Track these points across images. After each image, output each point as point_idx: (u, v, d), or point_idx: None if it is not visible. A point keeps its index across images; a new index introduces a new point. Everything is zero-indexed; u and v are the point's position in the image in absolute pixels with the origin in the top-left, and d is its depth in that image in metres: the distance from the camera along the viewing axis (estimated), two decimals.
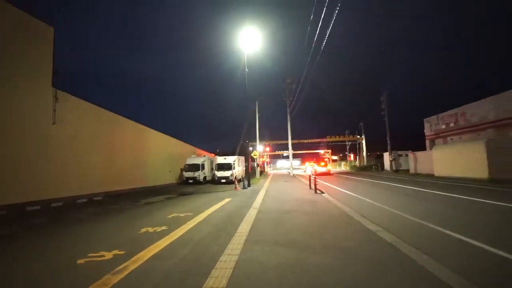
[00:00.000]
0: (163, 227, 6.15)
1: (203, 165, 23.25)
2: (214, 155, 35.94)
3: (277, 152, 66.48)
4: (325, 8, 11.89)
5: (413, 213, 7.20)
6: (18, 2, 11.10)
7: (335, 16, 11.98)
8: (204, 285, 3.03)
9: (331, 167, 39.03)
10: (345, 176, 29.00)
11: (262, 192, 13.26)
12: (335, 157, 68.41)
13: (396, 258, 3.75)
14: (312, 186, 13.30)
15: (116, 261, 3.95)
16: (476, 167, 16.74)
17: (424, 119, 34.04)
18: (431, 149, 25.72)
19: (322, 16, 12.64)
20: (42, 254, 4.72)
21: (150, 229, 6.03)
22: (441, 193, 11.42)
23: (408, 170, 29.39)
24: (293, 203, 9.26)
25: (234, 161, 22.50)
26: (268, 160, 64.28)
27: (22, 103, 10.96)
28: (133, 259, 4.00)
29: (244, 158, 24.82)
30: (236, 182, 16.77)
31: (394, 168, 32.49)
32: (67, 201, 11.39)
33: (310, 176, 15.48)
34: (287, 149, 37.52)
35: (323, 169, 31.47)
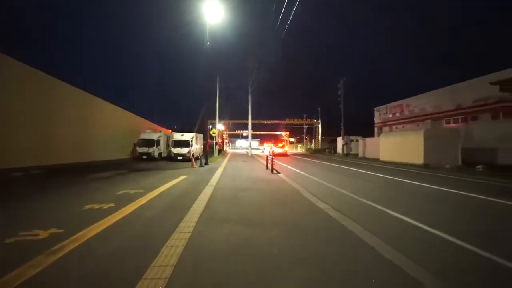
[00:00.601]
0: (110, 204, 5.77)
1: (158, 141, 22.21)
2: (171, 131, 34.54)
3: (236, 132, 66.34)
4: None
5: (351, 190, 8.08)
6: None
7: None
8: (153, 264, 2.91)
9: (288, 149, 40.38)
10: (300, 157, 30.31)
11: (220, 171, 13.21)
12: (292, 139, 70.78)
13: (326, 220, 4.06)
14: (269, 166, 13.62)
15: (52, 240, 3.59)
16: (414, 154, 18.70)
17: (375, 108, 36.70)
18: (379, 136, 27.98)
19: None
20: None
21: (96, 206, 5.61)
22: (376, 174, 12.62)
23: (357, 154, 31.78)
24: (249, 182, 9.40)
25: (192, 138, 21.90)
26: (227, 139, 64.00)
27: None
28: (72, 238, 3.67)
29: (202, 136, 24.29)
30: (193, 160, 16.42)
31: (345, 152, 34.84)
32: None
33: (267, 156, 15.81)
34: (246, 129, 37.63)
35: (280, 150, 32.42)
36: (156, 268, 2.82)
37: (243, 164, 18.54)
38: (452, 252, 3.70)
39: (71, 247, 3.39)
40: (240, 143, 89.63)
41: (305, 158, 28.41)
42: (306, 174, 12.89)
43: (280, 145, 36.69)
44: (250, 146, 35.56)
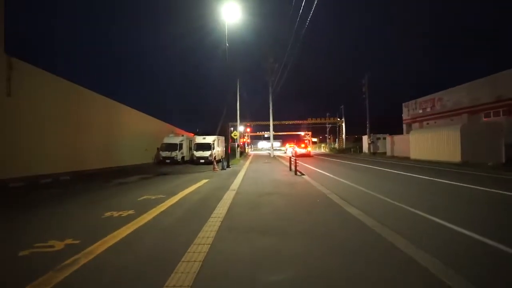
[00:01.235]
0: (130, 211, 5.60)
1: (181, 145, 22.43)
2: (193, 134, 34.96)
3: (258, 133, 66.15)
4: None
5: (387, 195, 7.12)
6: None
7: None
8: (167, 284, 2.59)
9: (311, 149, 39.42)
10: (324, 158, 29.34)
11: (242, 173, 12.90)
12: (315, 139, 69.25)
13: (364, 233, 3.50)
14: (293, 167, 13.09)
15: (66, 253, 3.39)
16: (450, 151, 17.26)
17: (403, 104, 34.76)
18: (408, 133, 26.37)
19: None
20: None
21: (115, 214, 5.46)
22: (412, 175, 11.61)
23: (385, 153, 30.19)
24: (273, 186, 8.96)
25: (213, 141, 21.87)
26: (248, 140, 63.95)
27: None
28: (86, 250, 3.46)
29: (224, 138, 24.22)
30: (215, 163, 16.27)
31: (371, 150, 33.28)
32: (28, 181, 10.41)
33: (290, 157, 15.29)
34: (268, 130, 37.23)
35: (303, 151, 31.61)
36: None
37: (265, 166, 18.12)
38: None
39: (84, 261, 3.16)
40: (262, 144, 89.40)
41: (330, 158, 27.42)
42: (332, 176, 12.21)
43: (302, 145, 35.81)
44: (272, 147, 35.07)
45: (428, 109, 29.64)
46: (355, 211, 5.33)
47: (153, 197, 7.21)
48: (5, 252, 3.55)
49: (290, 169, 13.98)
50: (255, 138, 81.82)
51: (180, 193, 7.83)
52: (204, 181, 10.60)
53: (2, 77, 10.73)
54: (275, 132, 38.45)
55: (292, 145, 43.91)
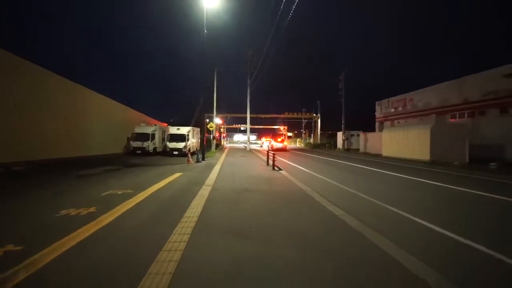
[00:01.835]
0: (91, 209, 4.95)
1: (153, 135, 21.26)
2: (166, 124, 33.56)
3: (234, 126, 65.33)
4: None
5: (364, 191, 7.08)
6: None
7: None
8: None
9: (287, 144, 39.60)
10: (300, 152, 29.56)
11: (217, 167, 12.40)
12: (290, 134, 69.89)
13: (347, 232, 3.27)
14: (270, 162, 12.83)
15: (4, 263, 2.78)
16: (420, 150, 17.97)
17: (376, 102, 35.89)
18: (380, 130, 27.25)
19: None
20: None
21: (73, 212, 4.79)
22: (387, 172, 11.86)
23: (358, 149, 31.06)
24: (251, 181, 8.60)
25: (188, 132, 21.00)
26: (224, 133, 63.04)
27: None
28: (28, 261, 2.85)
29: (199, 130, 23.38)
30: (190, 155, 15.57)
31: (345, 147, 34.11)
32: None
33: (268, 152, 15.02)
34: (244, 123, 36.68)
35: (279, 145, 31.62)
36: None
37: (242, 159, 17.72)
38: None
39: (25, 274, 2.57)
40: (238, 137, 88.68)
41: (305, 153, 27.65)
42: (310, 171, 12.11)
43: (279, 139, 35.81)
44: (249, 141, 34.70)
45: (400, 108, 30.83)
46: (336, 210, 5.12)
47: (120, 192, 6.54)
48: None
49: (268, 164, 13.72)
50: (231, 131, 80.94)
51: (150, 188, 7.21)
52: (177, 174, 9.98)
53: None
54: (251, 125, 38.03)
55: (269, 139, 43.86)
